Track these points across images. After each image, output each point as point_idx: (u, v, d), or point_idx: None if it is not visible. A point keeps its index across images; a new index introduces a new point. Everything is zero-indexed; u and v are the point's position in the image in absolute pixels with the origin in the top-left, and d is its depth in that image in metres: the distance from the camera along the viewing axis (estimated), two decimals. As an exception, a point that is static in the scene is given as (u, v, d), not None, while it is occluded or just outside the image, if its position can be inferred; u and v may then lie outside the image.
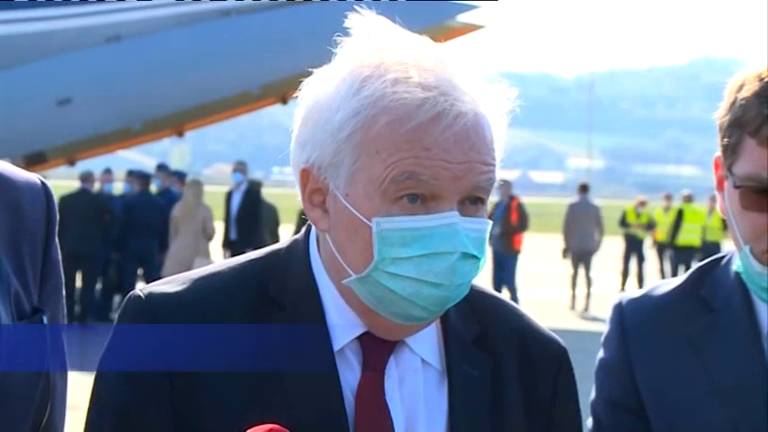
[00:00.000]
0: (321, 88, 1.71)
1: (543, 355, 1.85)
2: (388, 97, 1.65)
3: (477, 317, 1.82)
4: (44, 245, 1.93)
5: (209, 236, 15.99)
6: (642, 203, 25.04)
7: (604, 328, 2.23)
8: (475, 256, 1.67)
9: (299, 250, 1.79)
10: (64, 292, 2.01)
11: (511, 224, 18.41)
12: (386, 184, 1.65)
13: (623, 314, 2.19)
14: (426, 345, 1.77)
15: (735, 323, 2.12)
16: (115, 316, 1.82)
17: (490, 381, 1.78)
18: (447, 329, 1.79)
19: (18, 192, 1.92)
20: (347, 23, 1.72)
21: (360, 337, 1.73)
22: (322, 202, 1.72)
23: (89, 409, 1.77)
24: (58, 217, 1.98)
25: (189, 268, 1.93)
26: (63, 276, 1.97)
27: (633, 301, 2.20)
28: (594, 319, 18.93)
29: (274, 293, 1.75)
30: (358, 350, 1.74)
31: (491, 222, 1.71)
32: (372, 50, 1.70)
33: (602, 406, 2.18)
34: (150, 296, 1.75)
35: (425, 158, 1.64)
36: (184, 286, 1.76)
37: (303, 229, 1.82)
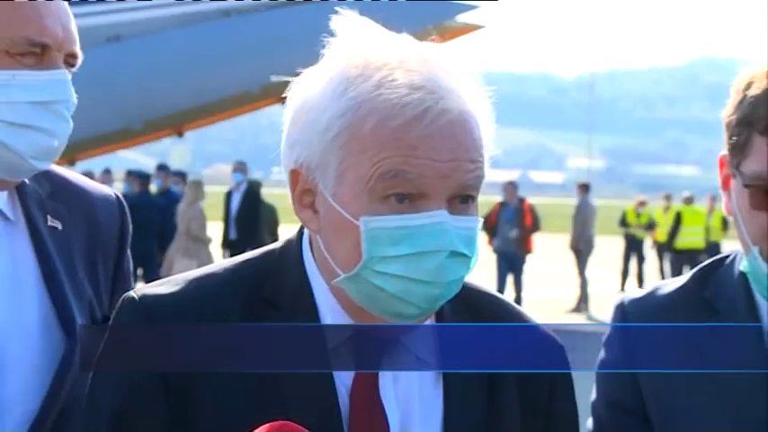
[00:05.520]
0: (308, 89, 1.72)
1: (540, 354, 1.85)
2: (374, 98, 1.66)
3: (472, 314, 1.82)
4: (117, 257, 2.00)
5: (193, 237, 16.02)
6: (642, 203, 25.04)
7: (602, 327, 2.22)
8: (465, 254, 1.67)
9: (292, 251, 1.80)
10: None
11: (526, 227, 18.60)
12: (372, 182, 1.65)
13: (626, 314, 2.18)
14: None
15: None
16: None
17: (487, 378, 1.79)
18: (442, 328, 1.79)
19: (95, 206, 2.01)
20: (331, 24, 1.74)
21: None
22: (312, 203, 1.73)
23: (84, 409, 1.77)
24: (131, 230, 2.05)
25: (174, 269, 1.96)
26: (133, 286, 2.02)
27: (636, 302, 2.19)
28: (592, 319, 18.91)
29: (269, 294, 1.76)
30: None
31: (481, 220, 1.71)
32: (358, 51, 1.71)
33: (603, 406, 2.17)
34: (144, 297, 1.75)
35: (412, 157, 1.64)
36: (179, 287, 1.76)
37: (297, 230, 1.82)
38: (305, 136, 1.70)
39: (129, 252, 2.03)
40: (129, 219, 2.06)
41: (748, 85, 2.06)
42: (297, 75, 1.76)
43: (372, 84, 1.67)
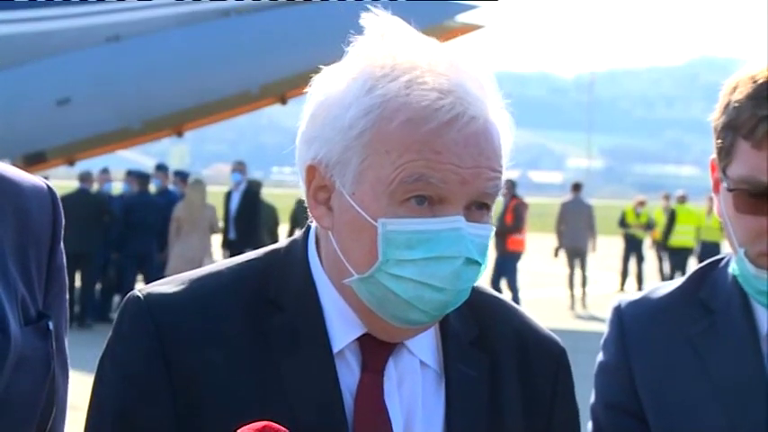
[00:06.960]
0: (332, 86, 1.71)
1: (542, 355, 1.86)
2: (402, 98, 1.65)
3: (476, 317, 1.82)
4: (50, 250, 1.93)
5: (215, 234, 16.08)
6: (641, 203, 25.04)
7: (604, 327, 2.23)
8: (477, 262, 1.67)
9: (297, 251, 1.79)
10: (67, 297, 2.00)
11: (505, 225, 18.38)
12: (394, 186, 1.64)
13: (622, 316, 2.19)
14: (424, 346, 1.77)
15: (733, 325, 2.11)
16: (115, 316, 1.82)
17: (488, 381, 1.78)
18: (445, 330, 1.79)
19: (25, 196, 1.91)
20: (361, 22, 1.72)
21: (359, 339, 1.73)
22: (327, 200, 1.72)
23: (89, 410, 1.76)
24: (63, 222, 1.97)
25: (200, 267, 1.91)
26: (67, 281, 1.97)
27: (632, 304, 2.20)
28: (593, 319, 18.94)
29: (273, 294, 1.75)
30: (357, 352, 1.74)
31: (494, 228, 1.71)
32: (385, 50, 1.69)
33: (601, 409, 2.17)
34: (149, 297, 1.75)
35: (435, 162, 1.64)
36: (183, 287, 1.76)
37: (303, 230, 1.81)
38: (325, 132, 1.69)
39: (62, 245, 1.97)
40: (62, 209, 1.99)
41: (733, 90, 2.07)
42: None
43: (400, 84, 1.66)
